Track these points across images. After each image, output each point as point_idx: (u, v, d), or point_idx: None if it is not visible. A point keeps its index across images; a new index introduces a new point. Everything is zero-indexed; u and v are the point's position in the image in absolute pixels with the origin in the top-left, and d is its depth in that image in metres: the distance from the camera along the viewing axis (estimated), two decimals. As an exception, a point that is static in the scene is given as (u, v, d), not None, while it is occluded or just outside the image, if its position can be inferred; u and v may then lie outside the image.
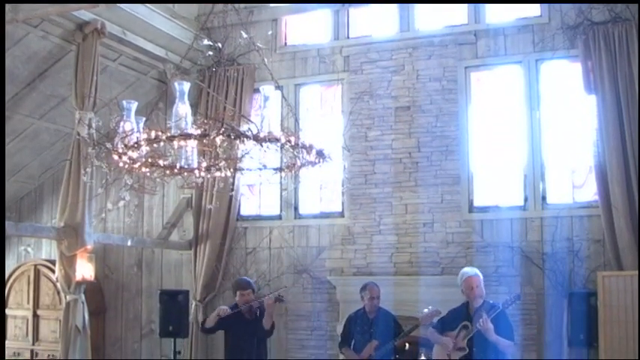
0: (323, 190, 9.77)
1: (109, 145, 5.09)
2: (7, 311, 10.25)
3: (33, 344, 10.14)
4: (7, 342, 9.92)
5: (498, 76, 9.11)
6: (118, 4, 8.31)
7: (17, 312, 10.29)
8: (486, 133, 9.13)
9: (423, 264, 8.85)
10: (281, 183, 9.07)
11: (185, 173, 5.50)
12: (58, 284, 8.21)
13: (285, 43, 10.06)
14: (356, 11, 9.77)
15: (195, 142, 4.90)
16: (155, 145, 4.95)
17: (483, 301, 6.73)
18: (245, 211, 10.04)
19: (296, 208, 9.78)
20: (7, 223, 7.99)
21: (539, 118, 8.82)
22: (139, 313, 10.38)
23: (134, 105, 5.24)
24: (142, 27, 8.86)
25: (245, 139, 4.75)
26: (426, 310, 7.40)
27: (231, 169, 5.54)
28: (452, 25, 9.25)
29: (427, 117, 9.07)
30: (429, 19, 9.36)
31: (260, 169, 5.56)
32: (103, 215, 10.51)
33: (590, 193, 8.56)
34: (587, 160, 8.51)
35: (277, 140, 4.84)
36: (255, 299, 7.62)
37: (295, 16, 10.04)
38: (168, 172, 5.45)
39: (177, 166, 5.40)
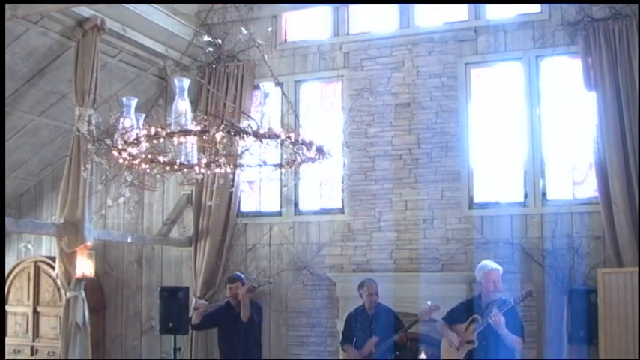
0: (323, 187, 9.77)
1: (108, 142, 5.09)
2: (8, 308, 10.26)
3: (33, 341, 10.14)
4: (7, 338, 9.94)
5: (498, 72, 9.10)
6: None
7: (17, 308, 10.29)
8: (486, 129, 9.12)
9: (423, 260, 8.85)
10: (281, 179, 9.04)
11: (185, 170, 5.50)
12: (58, 281, 8.21)
13: (285, 40, 10.05)
14: (356, 8, 9.75)
15: (195, 138, 4.90)
16: (155, 141, 4.95)
17: (496, 296, 6.74)
18: (245, 207, 10.04)
19: (296, 205, 9.78)
20: (7, 219, 7.99)
21: (539, 114, 8.82)
22: (139, 310, 10.38)
23: (134, 101, 5.24)
24: (141, 23, 8.86)
25: (245, 135, 4.75)
26: (425, 306, 7.42)
27: (231, 166, 5.54)
28: (452, 21, 9.24)
29: (427, 113, 9.07)
30: (429, 16, 9.35)
31: (260, 166, 5.57)
32: (103, 212, 10.51)
33: (590, 189, 8.56)
34: (587, 157, 8.52)
35: (277, 137, 4.84)
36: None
37: (295, 13, 10.02)
38: (168, 168, 5.46)
39: (177, 163, 5.40)
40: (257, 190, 10.09)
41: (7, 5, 7.14)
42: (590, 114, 8.32)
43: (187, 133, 4.75)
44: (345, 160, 8.83)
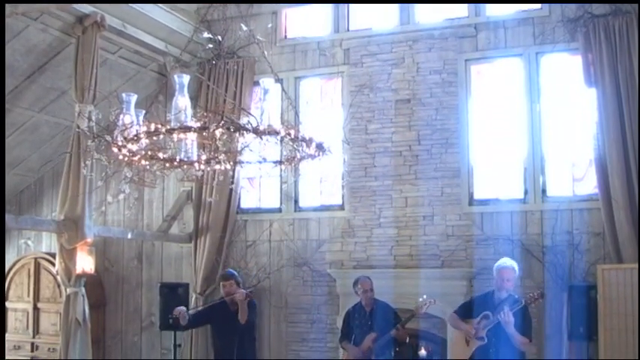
0: (323, 183, 9.77)
1: (108, 138, 5.09)
2: (8, 304, 10.28)
3: (33, 337, 10.16)
4: (7, 335, 9.96)
5: (498, 68, 9.10)
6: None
7: (17, 305, 10.30)
8: (486, 125, 9.12)
9: (423, 257, 8.85)
10: (281, 176, 9.05)
11: (185, 166, 5.50)
12: (59, 277, 8.21)
13: (285, 36, 10.04)
14: (356, 4, 9.74)
15: (195, 134, 4.90)
16: (155, 137, 4.94)
17: (509, 295, 6.74)
18: (245, 204, 10.04)
19: (296, 201, 9.78)
20: (7, 216, 8.00)
21: (539, 111, 8.81)
22: (139, 306, 10.39)
23: (134, 98, 5.24)
24: (141, 20, 8.85)
25: (245, 131, 4.75)
26: (420, 300, 7.42)
27: (231, 162, 5.54)
28: (452, 17, 9.23)
29: (427, 110, 9.06)
30: (430, 12, 9.34)
31: (260, 162, 5.57)
32: (103, 208, 10.52)
33: (590, 186, 8.56)
34: (587, 153, 8.51)
35: (277, 133, 4.84)
36: (239, 290, 7.65)
37: (295, 9, 10.01)
38: (168, 164, 5.46)
39: (177, 159, 5.40)
40: (257, 186, 10.09)
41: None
42: (591, 110, 8.31)
43: (187, 129, 4.75)
44: (345, 157, 8.84)
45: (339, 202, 9.60)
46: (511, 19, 8.93)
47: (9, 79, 8.67)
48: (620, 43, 8.13)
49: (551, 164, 8.78)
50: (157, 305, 9.65)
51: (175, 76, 5.07)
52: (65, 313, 8.02)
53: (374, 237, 9.15)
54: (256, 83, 9.42)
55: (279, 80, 6.63)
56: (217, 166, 5.54)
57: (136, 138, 4.95)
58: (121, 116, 5.12)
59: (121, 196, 10.34)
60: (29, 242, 11.10)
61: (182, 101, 4.93)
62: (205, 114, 4.80)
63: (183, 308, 7.85)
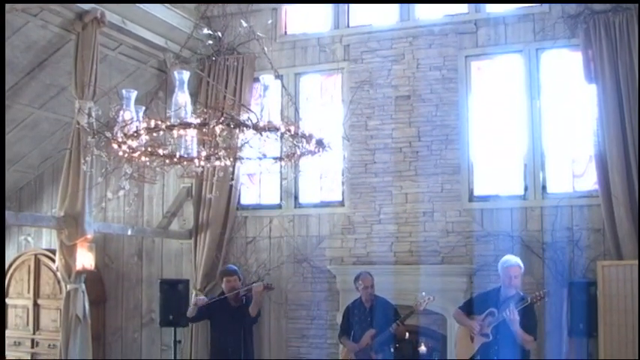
0: (323, 180, 9.77)
1: (108, 134, 5.08)
2: (8, 300, 10.28)
3: (33, 333, 10.16)
4: (7, 331, 9.96)
5: (499, 65, 9.09)
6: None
7: (18, 301, 10.30)
8: (486, 122, 9.11)
9: (423, 253, 8.85)
10: (281, 172, 9.01)
11: (185, 162, 5.49)
12: (59, 273, 8.22)
13: (285, 32, 10.03)
14: (356, 4, 9.73)
15: (195, 131, 4.89)
16: (155, 134, 4.95)
17: (515, 292, 6.73)
18: (245, 200, 10.04)
19: (296, 198, 9.78)
20: (7, 212, 8.01)
21: (539, 107, 8.81)
22: (139, 303, 10.40)
23: (134, 94, 5.24)
24: (141, 16, 8.84)
25: (245, 128, 4.75)
26: (419, 297, 7.42)
27: (231, 159, 5.54)
28: (452, 14, 9.22)
29: (427, 106, 9.06)
30: (430, 8, 9.32)
31: (260, 159, 5.56)
32: (103, 204, 10.52)
33: (590, 182, 8.56)
34: (587, 150, 8.51)
35: (277, 129, 4.84)
36: (241, 286, 7.68)
37: (295, 5, 10.00)
38: (167, 161, 5.45)
39: (177, 155, 5.40)
40: (257, 182, 10.09)
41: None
42: (591, 106, 8.31)
43: (187, 125, 4.75)
44: (345, 153, 8.86)
45: (339, 198, 9.60)
46: (511, 15, 8.92)
47: (9, 76, 8.67)
48: (621, 39, 8.12)
49: (551, 160, 8.77)
50: (157, 302, 9.65)
51: (175, 73, 5.07)
52: (65, 310, 8.02)
53: (374, 233, 9.16)
54: (256, 79, 9.42)
55: (279, 76, 6.63)
56: (217, 163, 5.53)
57: (135, 134, 4.95)
58: (121, 112, 5.13)
59: (121, 193, 10.35)
60: (29, 238, 11.11)
61: (182, 97, 4.93)
62: (205, 110, 4.80)
63: (206, 298, 7.95)
